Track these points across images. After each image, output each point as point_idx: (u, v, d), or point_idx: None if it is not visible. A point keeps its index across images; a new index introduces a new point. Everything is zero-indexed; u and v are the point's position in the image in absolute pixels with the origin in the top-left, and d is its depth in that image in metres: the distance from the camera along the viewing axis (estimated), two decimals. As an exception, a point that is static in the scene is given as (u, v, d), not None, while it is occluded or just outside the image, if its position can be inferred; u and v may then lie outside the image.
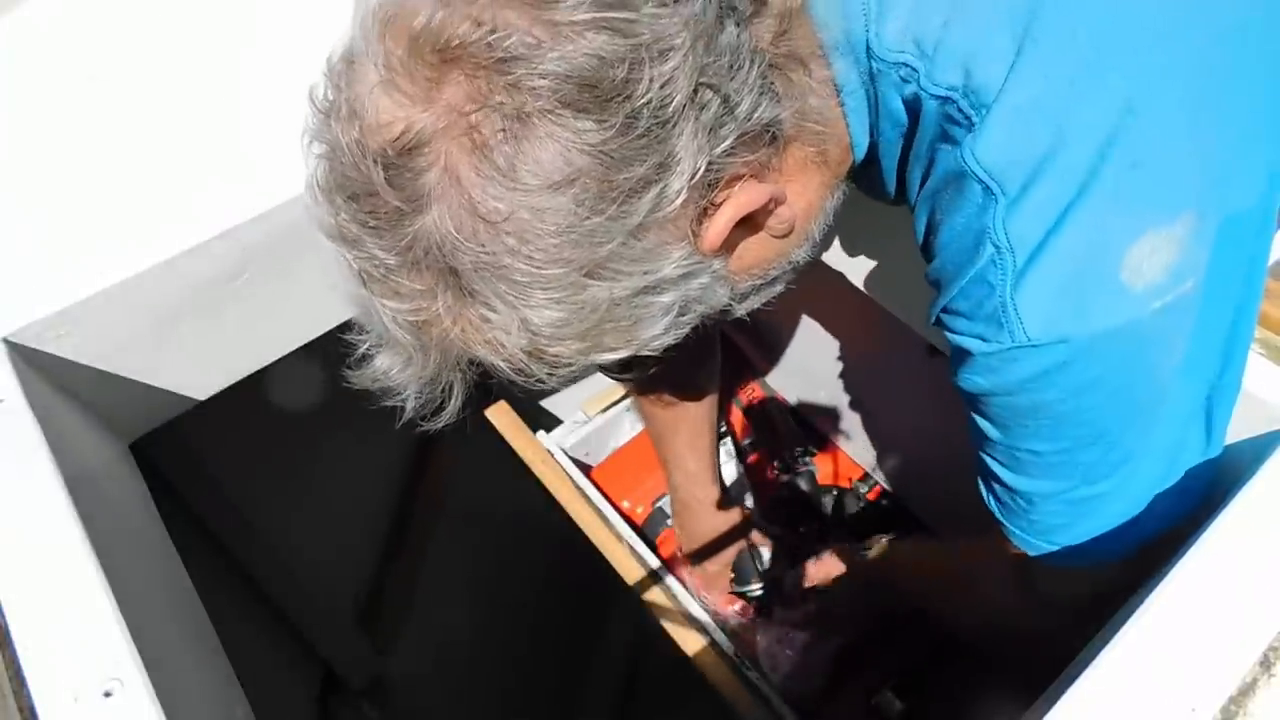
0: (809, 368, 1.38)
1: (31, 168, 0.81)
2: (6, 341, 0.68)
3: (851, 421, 1.36)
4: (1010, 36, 0.46)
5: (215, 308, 0.79)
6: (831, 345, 1.26)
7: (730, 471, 1.37)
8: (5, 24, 0.92)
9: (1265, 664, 0.49)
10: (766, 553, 1.19)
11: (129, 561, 0.64)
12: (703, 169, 0.43)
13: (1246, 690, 0.49)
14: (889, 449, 1.34)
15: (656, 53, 0.40)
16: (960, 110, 0.48)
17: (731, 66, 0.43)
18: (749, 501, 1.33)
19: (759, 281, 0.54)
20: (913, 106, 0.51)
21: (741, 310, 0.54)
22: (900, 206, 0.60)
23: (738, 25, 0.44)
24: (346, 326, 0.91)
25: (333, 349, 0.94)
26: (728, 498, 1.22)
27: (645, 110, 0.40)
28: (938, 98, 0.48)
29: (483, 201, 0.40)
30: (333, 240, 0.45)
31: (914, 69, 0.48)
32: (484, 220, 0.41)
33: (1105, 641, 0.50)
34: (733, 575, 1.19)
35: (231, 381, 0.86)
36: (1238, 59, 0.47)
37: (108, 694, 0.51)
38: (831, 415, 1.39)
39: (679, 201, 0.43)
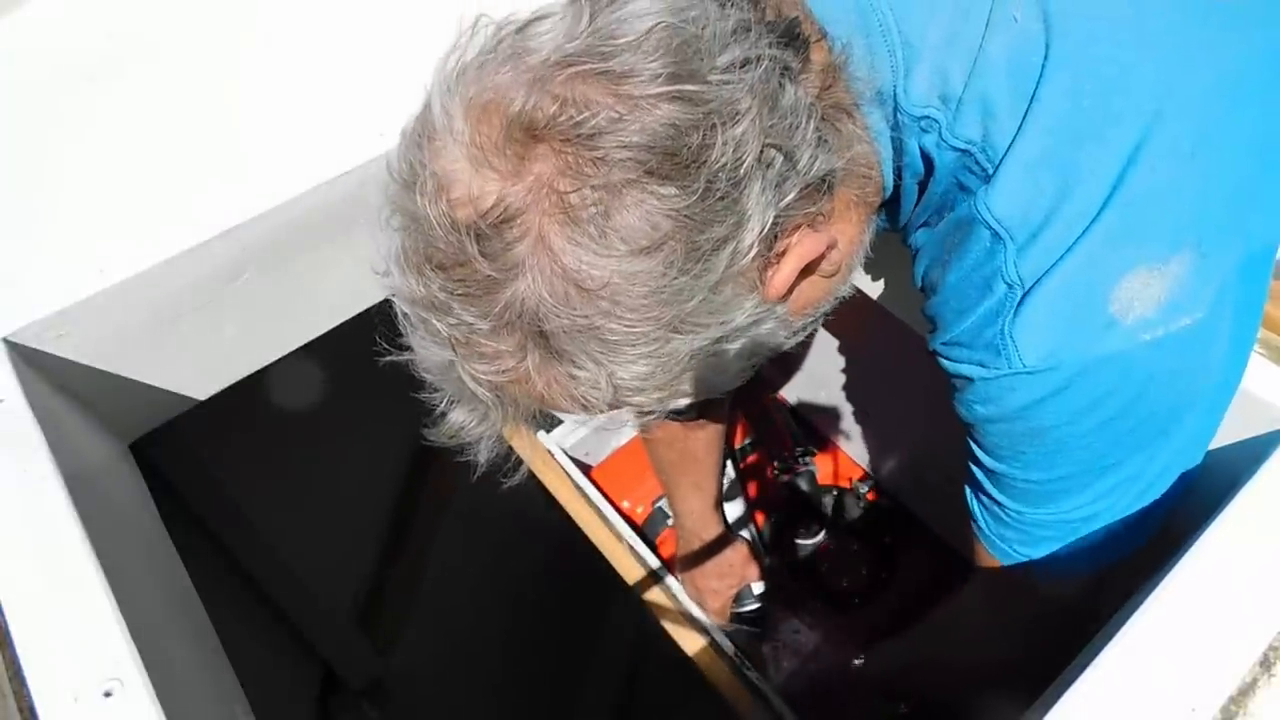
0: (809, 368, 1.38)
1: (31, 168, 0.81)
2: (6, 341, 0.68)
3: (851, 421, 1.36)
4: (1021, 95, 0.48)
5: (215, 308, 0.79)
6: (832, 345, 1.26)
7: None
8: (5, 24, 0.92)
9: (1265, 664, 0.49)
10: (759, 587, 1.21)
11: (129, 561, 0.64)
12: (770, 223, 0.45)
13: (1246, 690, 0.49)
14: (889, 449, 1.34)
15: (727, 118, 0.42)
16: (978, 163, 0.50)
17: (791, 126, 0.46)
18: (741, 508, 1.33)
19: (810, 319, 0.57)
20: (929, 155, 0.53)
21: (790, 344, 0.56)
22: (896, 232, 0.63)
23: (793, 84, 0.47)
24: (346, 325, 0.91)
25: (333, 349, 0.94)
26: (730, 534, 1.24)
27: (721, 174, 0.42)
28: (958, 150, 0.51)
29: (576, 268, 0.42)
30: (420, 309, 0.46)
31: (935, 121, 0.51)
32: (578, 286, 0.43)
33: (1105, 641, 0.51)
34: (734, 605, 1.21)
35: (231, 381, 0.86)
36: (1244, 101, 0.49)
37: (108, 694, 0.51)
38: (831, 415, 1.39)
39: (751, 256, 0.45)
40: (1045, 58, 0.48)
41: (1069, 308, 0.49)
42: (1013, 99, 0.49)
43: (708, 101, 0.42)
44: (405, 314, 0.48)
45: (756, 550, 1.26)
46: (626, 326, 0.44)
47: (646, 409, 0.50)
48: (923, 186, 0.56)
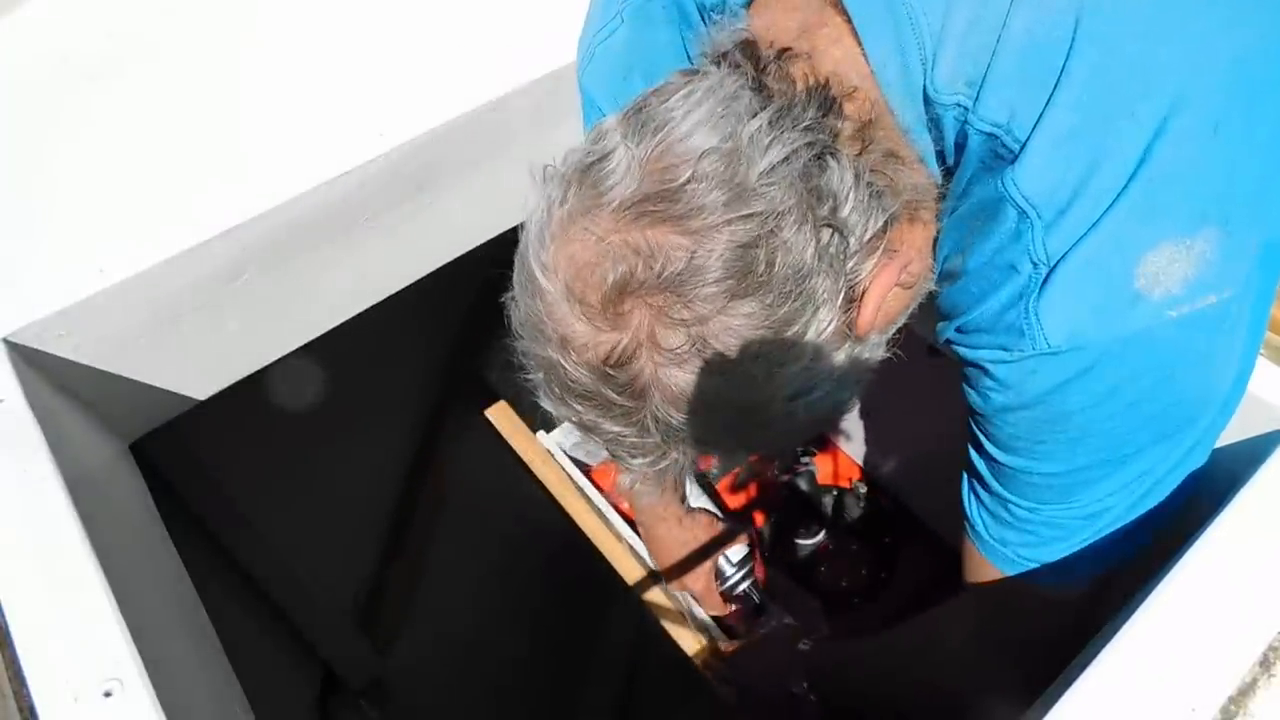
0: (809, 368, 1.38)
1: (31, 168, 0.81)
2: (6, 341, 0.68)
3: (851, 421, 1.36)
4: (1049, 71, 0.48)
5: (215, 307, 0.79)
6: (831, 345, 1.25)
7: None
8: (5, 24, 0.93)
9: (1265, 664, 0.49)
10: (736, 554, 1.19)
11: (129, 561, 0.64)
12: (842, 290, 0.50)
13: (1246, 690, 0.49)
14: (889, 449, 1.34)
15: (781, 219, 0.47)
16: (1004, 145, 0.50)
17: (841, 201, 0.49)
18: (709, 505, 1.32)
19: (901, 323, 0.59)
20: (960, 141, 0.53)
21: (888, 352, 0.59)
22: None
23: (833, 157, 0.49)
24: (346, 325, 0.91)
25: (333, 349, 0.94)
26: (690, 510, 1.22)
27: (790, 275, 0.47)
28: (985, 133, 0.51)
29: (690, 388, 0.48)
30: (576, 426, 0.54)
31: (965, 107, 0.51)
32: (696, 400, 0.49)
33: (1105, 641, 0.51)
34: (718, 583, 1.20)
35: (231, 381, 0.86)
36: (1262, 87, 0.48)
37: (108, 694, 0.51)
38: (831, 415, 1.38)
39: (833, 324, 0.50)
40: (1075, 31, 0.48)
41: (1094, 283, 0.48)
42: (1039, 75, 0.48)
43: (761, 213, 0.46)
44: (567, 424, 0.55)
45: (720, 517, 1.24)
46: (748, 416, 0.50)
47: (785, 450, 0.55)
48: (955, 169, 0.55)
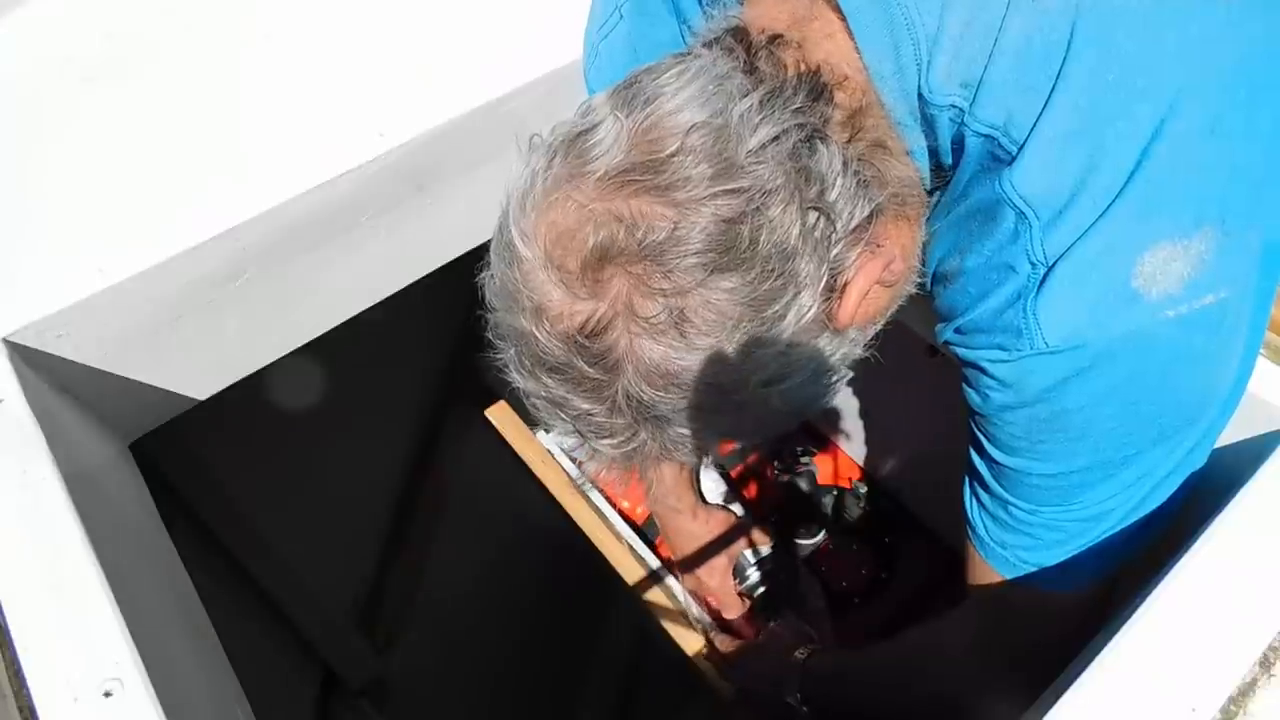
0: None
1: (31, 168, 0.81)
2: (6, 341, 0.68)
3: (851, 421, 1.36)
4: (1046, 74, 0.48)
5: (215, 308, 0.79)
6: (831, 345, 1.25)
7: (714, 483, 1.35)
8: (5, 24, 0.93)
9: (1265, 664, 0.49)
10: (756, 554, 1.18)
11: (129, 561, 0.64)
12: (824, 276, 0.49)
13: (1246, 690, 0.49)
14: (889, 449, 1.34)
15: (768, 198, 0.46)
16: (1002, 147, 0.50)
17: (828, 185, 0.49)
18: (736, 508, 1.32)
19: (881, 324, 0.59)
20: (957, 144, 0.53)
21: (867, 352, 0.59)
22: None
23: (823, 141, 0.49)
24: (346, 324, 0.91)
25: (332, 349, 0.94)
26: (706, 504, 1.22)
27: (773, 253, 0.47)
28: (982, 135, 0.51)
29: (666, 365, 0.48)
30: (543, 403, 0.53)
31: (961, 109, 0.51)
32: (670, 376, 0.48)
33: (1105, 641, 0.51)
34: (735, 579, 1.19)
35: (232, 381, 0.86)
36: (1266, 86, 0.48)
37: (108, 694, 0.51)
38: (831, 415, 1.39)
39: (813, 310, 0.49)
40: (1071, 35, 0.48)
41: (1092, 283, 0.48)
42: (1036, 78, 0.48)
43: (747, 189, 0.46)
44: (534, 405, 0.53)
45: (747, 521, 1.24)
46: (719, 397, 0.49)
47: (757, 440, 0.54)
48: (952, 172, 0.55)
